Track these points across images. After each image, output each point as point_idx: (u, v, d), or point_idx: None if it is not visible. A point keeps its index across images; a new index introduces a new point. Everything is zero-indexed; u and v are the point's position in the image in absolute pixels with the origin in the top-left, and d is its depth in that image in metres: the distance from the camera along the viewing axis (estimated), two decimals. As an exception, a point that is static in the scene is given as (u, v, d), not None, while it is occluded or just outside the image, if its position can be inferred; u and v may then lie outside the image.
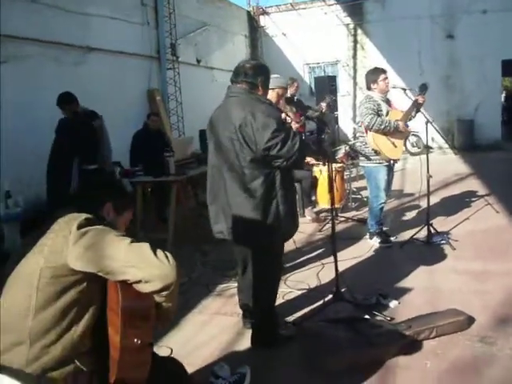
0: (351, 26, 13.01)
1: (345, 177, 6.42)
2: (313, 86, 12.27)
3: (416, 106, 4.54)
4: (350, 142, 6.50)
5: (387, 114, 4.51)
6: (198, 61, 11.01)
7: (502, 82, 13.63)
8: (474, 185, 7.31)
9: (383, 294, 3.42)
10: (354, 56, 13.11)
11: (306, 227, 5.36)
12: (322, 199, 6.08)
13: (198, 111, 8.58)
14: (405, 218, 5.76)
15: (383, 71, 4.61)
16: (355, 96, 12.91)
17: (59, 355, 1.55)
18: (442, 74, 12.00)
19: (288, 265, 4.17)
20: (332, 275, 3.50)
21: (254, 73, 2.73)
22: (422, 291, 3.57)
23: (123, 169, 5.67)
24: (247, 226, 2.65)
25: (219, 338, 3.06)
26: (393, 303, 3.34)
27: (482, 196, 6.36)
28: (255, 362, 2.70)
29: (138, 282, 1.50)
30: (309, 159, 5.12)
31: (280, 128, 2.55)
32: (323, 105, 6.07)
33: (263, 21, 14.00)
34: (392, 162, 4.64)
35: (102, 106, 5.69)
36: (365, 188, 5.78)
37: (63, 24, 6.92)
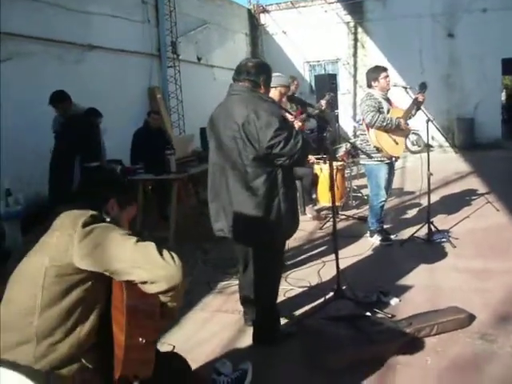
0: (351, 24, 13.01)
1: (345, 175, 6.43)
2: (313, 84, 12.26)
3: (416, 104, 4.55)
4: (351, 140, 6.50)
5: (388, 111, 4.53)
6: (199, 59, 11.01)
7: (502, 81, 13.63)
8: (475, 183, 7.32)
9: (384, 291, 3.44)
10: (355, 54, 13.11)
11: (307, 225, 5.37)
12: (323, 197, 6.08)
13: (199, 109, 8.57)
14: (405, 216, 5.77)
15: (384, 69, 4.62)
16: (355, 94, 12.92)
17: (66, 353, 1.54)
18: (442, 73, 12.00)
19: (289, 262, 4.18)
20: (332, 273, 3.51)
21: (257, 71, 2.72)
22: (422, 289, 3.58)
23: (124, 167, 5.68)
24: (249, 224, 2.66)
25: (220, 335, 3.08)
26: (393, 301, 3.35)
27: (483, 194, 6.37)
28: (256, 358, 2.70)
29: (144, 282, 1.50)
30: (310, 157, 5.13)
31: (283, 126, 2.55)
32: (323, 102, 6.07)
33: (263, 19, 14.00)
34: (394, 159, 4.66)
35: (102, 104, 5.70)
36: (365, 186, 5.79)
37: (64, 22, 6.94)
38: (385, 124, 4.39)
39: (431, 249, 4.46)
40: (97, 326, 1.62)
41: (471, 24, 11.52)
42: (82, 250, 1.53)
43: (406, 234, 4.86)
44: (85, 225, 1.58)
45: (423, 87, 4.56)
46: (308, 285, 3.79)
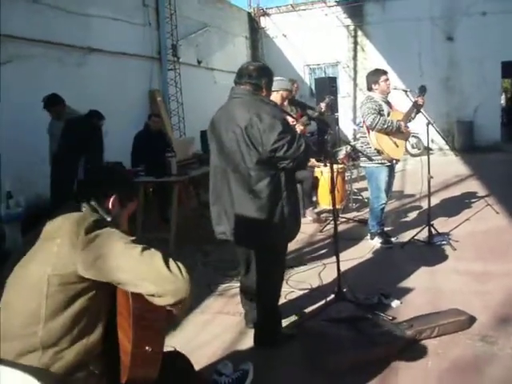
0: (351, 27, 13.05)
1: (346, 178, 6.44)
2: (313, 87, 12.28)
3: (416, 108, 4.57)
4: (351, 143, 6.51)
5: (388, 114, 4.55)
6: (199, 62, 11.04)
7: (502, 84, 13.66)
8: (474, 186, 7.34)
9: (385, 293, 3.44)
10: (355, 57, 13.15)
11: (307, 228, 5.36)
12: (323, 200, 6.10)
13: (199, 112, 8.60)
14: (406, 219, 5.77)
15: (384, 72, 4.64)
16: (355, 97, 12.95)
17: (73, 360, 1.51)
18: (441, 76, 12.05)
19: (289, 265, 4.17)
20: (333, 275, 3.52)
21: (258, 74, 2.73)
22: (423, 291, 3.58)
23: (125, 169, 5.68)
24: (251, 227, 2.66)
25: (222, 337, 3.08)
26: (394, 303, 3.36)
27: (482, 197, 6.38)
28: (257, 360, 2.70)
29: (151, 295, 1.46)
30: (311, 160, 5.13)
31: (286, 129, 2.56)
32: (322, 105, 6.08)
33: (264, 22, 14.04)
34: (394, 161, 4.67)
35: (103, 107, 5.71)
36: (366, 189, 5.80)
37: (65, 25, 6.94)
38: (386, 126, 4.40)
39: (431, 251, 4.46)
40: (103, 334, 1.59)
41: (471, 27, 11.56)
42: (86, 260, 1.49)
43: (406, 236, 4.87)
44: (88, 231, 1.53)
45: (423, 90, 4.59)
46: (309, 287, 3.79)
